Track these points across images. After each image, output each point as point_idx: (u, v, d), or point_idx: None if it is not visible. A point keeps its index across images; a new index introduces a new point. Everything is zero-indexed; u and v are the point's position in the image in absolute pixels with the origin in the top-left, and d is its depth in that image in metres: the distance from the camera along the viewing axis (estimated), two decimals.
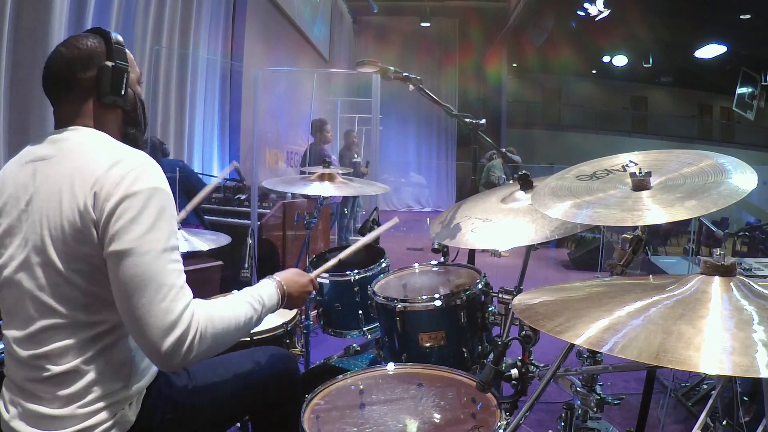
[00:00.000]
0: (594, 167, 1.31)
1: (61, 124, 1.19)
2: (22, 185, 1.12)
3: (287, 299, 1.37)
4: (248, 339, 1.78)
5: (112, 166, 1.06)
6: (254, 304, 1.24)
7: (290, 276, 1.40)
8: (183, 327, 1.04)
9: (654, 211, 1.04)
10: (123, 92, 1.21)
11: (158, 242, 1.05)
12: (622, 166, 1.26)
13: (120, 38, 1.23)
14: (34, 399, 1.08)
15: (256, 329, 1.79)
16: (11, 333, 1.12)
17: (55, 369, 1.07)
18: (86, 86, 1.18)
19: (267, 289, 1.31)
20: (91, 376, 1.09)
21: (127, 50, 1.26)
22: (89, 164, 1.07)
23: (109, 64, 1.18)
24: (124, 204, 1.04)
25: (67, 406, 1.07)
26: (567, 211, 1.15)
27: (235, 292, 1.27)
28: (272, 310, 1.31)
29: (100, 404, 1.10)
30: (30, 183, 1.12)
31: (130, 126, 1.27)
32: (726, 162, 1.12)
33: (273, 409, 1.46)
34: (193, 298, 1.10)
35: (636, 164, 1.22)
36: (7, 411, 1.12)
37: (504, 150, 2.43)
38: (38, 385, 1.08)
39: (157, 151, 3.87)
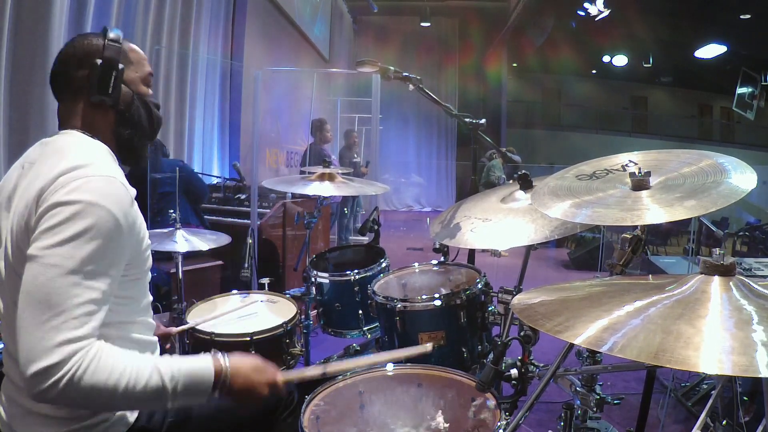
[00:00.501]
0: (593, 167, 1.31)
1: (59, 123, 1.19)
2: (13, 187, 1.12)
3: (228, 389, 1.07)
4: (248, 339, 1.78)
5: (63, 173, 1.02)
6: (166, 373, 0.99)
7: (244, 366, 1.10)
8: (53, 360, 0.89)
9: (653, 210, 1.04)
10: (110, 90, 1.16)
11: (70, 260, 0.94)
12: (622, 166, 1.26)
13: (116, 34, 1.19)
14: (31, 399, 1.08)
15: (256, 329, 1.80)
16: (5, 333, 1.12)
17: None
18: (78, 85, 1.16)
19: (197, 364, 1.05)
20: None
21: (133, 47, 1.24)
22: (48, 170, 1.04)
23: (98, 61, 1.15)
24: (53, 211, 0.98)
25: (64, 407, 1.06)
26: (566, 210, 1.15)
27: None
28: (195, 394, 1.03)
29: None
30: (17, 186, 1.11)
31: (123, 127, 1.21)
32: (725, 162, 1.12)
33: (273, 425, 1.46)
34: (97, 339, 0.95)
35: (636, 164, 1.22)
36: (6, 411, 1.12)
37: (504, 150, 2.43)
38: None
39: (158, 151, 3.87)
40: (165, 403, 1.00)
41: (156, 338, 1.30)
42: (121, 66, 1.18)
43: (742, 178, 1.05)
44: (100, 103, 1.17)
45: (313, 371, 1.25)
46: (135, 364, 0.97)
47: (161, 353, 1.33)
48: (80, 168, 1.03)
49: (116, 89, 1.18)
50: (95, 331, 0.95)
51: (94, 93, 1.16)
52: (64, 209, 0.97)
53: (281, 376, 1.16)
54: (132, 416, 1.16)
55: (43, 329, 0.90)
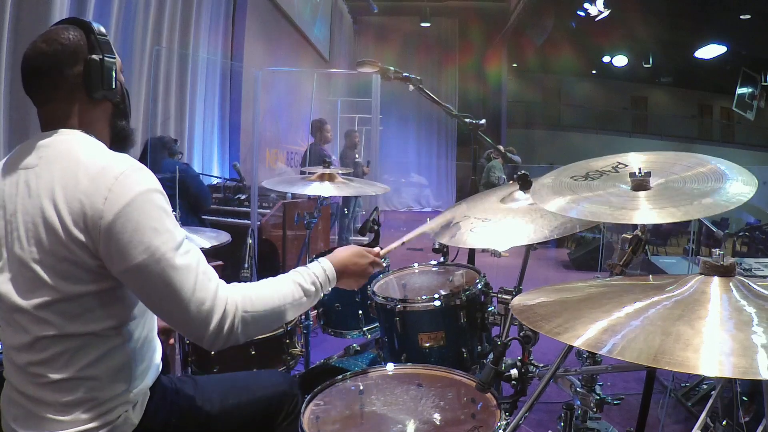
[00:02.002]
0: (585, 169, 1.31)
1: (48, 124, 1.14)
2: (8, 193, 1.09)
3: (343, 278, 1.35)
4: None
5: (95, 178, 1.02)
6: (301, 281, 1.23)
7: (348, 257, 1.36)
8: (219, 312, 1.06)
9: (644, 211, 1.05)
10: (113, 85, 1.16)
11: (168, 243, 1.03)
12: (613, 167, 1.26)
13: (102, 28, 1.17)
14: (35, 403, 1.07)
15: None
16: (7, 341, 1.10)
17: (54, 376, 1.06)
18: (73, 82, 1.12)
19: (319, 266, 1.30)
20: (90, 382, 1.08)
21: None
22: (71, 177, 1.03)
23: (97, 57, 1.12)
24: (122, 219, 1.00)
25: (68, 411, 1.06)
26: (563, 206, 1.15)
27: None
28: (327, 288, 1.31)
29: (102, 408, 1.09)
30: (14, 192, 1.07)
31: (119, 118, 1.23)
32: (725, 167, 1.13)
33: (274, 429, 1.45)
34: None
35: (625, 166, 1.23)
36: (9, 413, 1.11)
37: (503, 149, 2.43)
38: (38, 390, 1.07)
39: (162, 150, 3.80)
40: (309, 301, 1.25)
41: (156, 336, 1.29)
42: (116, 60, 1.17)
43: (741, 184, 1.05)
44: (100, 99, 1.15)
45: (395, 244, 1.54)
46: (274, 285, 1.18)
47: (163, 348, 1.33)
48: (107, 168, 1.04)
49: (117, 84, 1.18)
50: (214, 272, 1.10)
51: (98, 89, 1.14)
52: (129, 210, 1.01)
53: (378, 254, 1.45)
54: (136, 417, 1.16)
55: (195, 301, 1.04)
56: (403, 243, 1.57)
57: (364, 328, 2.14)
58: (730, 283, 0.85)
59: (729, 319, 0.77)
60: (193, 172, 3.82)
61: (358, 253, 1.38)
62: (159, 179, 1.10)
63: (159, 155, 3.76)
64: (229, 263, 3.48)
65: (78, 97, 1.13)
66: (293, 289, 1.21)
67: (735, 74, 11.70)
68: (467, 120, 2.01)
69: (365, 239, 2.61)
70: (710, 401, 1.09)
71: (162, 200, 1.07)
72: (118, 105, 1.22)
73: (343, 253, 1.37)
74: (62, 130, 1.12)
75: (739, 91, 11.62)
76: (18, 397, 1.10)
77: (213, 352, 1.78)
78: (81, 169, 1.04)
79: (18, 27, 2.94)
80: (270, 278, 1.21)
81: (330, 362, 2.03)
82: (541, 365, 1.39)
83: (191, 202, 3.54)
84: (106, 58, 1.14)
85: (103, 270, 1.05)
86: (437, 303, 1.69)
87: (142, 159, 3.81)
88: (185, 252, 1.06)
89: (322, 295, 1.28)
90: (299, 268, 1.27)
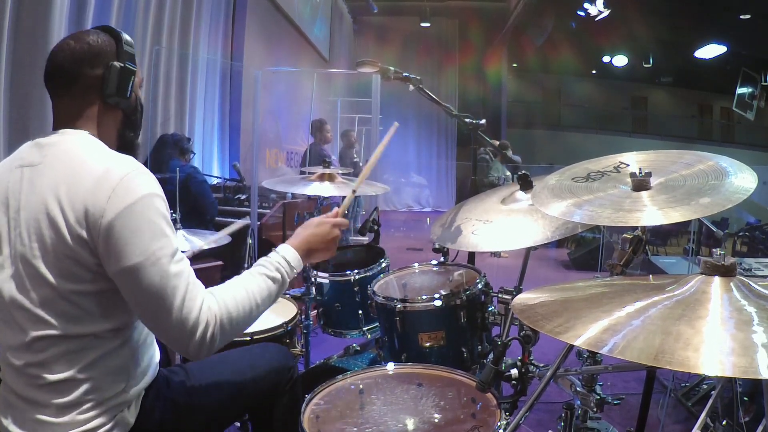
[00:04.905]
0: (587, 170, 1.30)
1: (59, 120, 1.16)
2: (12, 190, 1.09)
3: (311, 254, 1.34)
4: (248, 338, 1.78)
5: (99, 178, 1.03)
6: (267, 272, 1.22)
7: (306, 232, 1.34)
8: (203, 325, 1.06)
9: (651, 212, 1.05)
10: (128, 94, 1.19)
11: (164, 249, 1.04)
12: (614, 167, 1.26)
13: (130, 40, 1.21)
14: (31, 405, 1.07)
15: (256, 329, 1.80)
16: (5, 341, 1.10)
17: (51, 377, 1.06)
18: (90, 84, 1.15)
19: (278, 255, 1.28)
20: (88, 384, 1.08)
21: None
22: (75, 176, 1.05)
23: (118, 64, 1.16)
24: (122, 219, 1.02)
25: (65, 413, 1.07)
26: (565, 210, 1.15)
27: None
28: (296, 269, 1.29)
29: (99, 409, 1.09)
30: (18, 189, 1.09)
31: (128, 129, 1.25)
32: (726, 164, 1.13)
33: (272, 407, 1.45)
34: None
35: (627, 165, 1.23)
36: (5, 416, 1.11)
37: (498, 143, 2.42)
38: (35, 391, 1.07)
39: (173, 147, 3.76)
40: (281, 290, 1.25)
41: (155, 342, 1.30)
42: (136, 71, 1.21)
43: (742, 179, 1.05)
44: (113, 105, 1.18)
45: (348, 197, 1.54)
46: (246, 286, 1.17)
47: (163, 344, 1.33)
48: (112, 169, 1.05)
49: (132, 94, 1.21)
50: (200, 284, 1.11)
51: (113, 95, 1.16)
52: (130, 212, 1.03)
53: (336, 214, 1.41)
54: (132, 417, 1.16)
55: (183, 313, 1.05)
56: (354, 191, 1.57)
57: (364, 328, 2.14)
58: (731, 283, 0.86)
59: (729, 318, 0.77)
60: (200, 178, 3.75)
61: (315, 223, 1.36)
62: (161, 178, 1.10)
63: (169, 153, 3.74)
64: (229, 263, 3.48)
65: (92, 98, 1.16)
66: (260, 283, 1.20)
67: (735, 74, 11.69)
68: (467, 120, 2.01)
69: (365, 239, 2.61)
70: (710, 401, 1.09)
71: (163, 206, 1.08)
72: (129, 116, 1.24)
73: (300, 232, 1.35)
74: (67, 131, 1.14)
75: (739, 91, 11.61)
76: (14, 399, 1.10)
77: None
78: (85, 169, 1.05)
79: (18, 27, 2.94)
80: (237, 277, 1.21)
81: (330, 362, 2.03)
82: (542, 365, 1.40)
83: (191, 206, 3.52)
84: (127, 67, 1.17)
85: (102, 269, 1.05)
86: (437, 303, 1.69)
87: (152, 154, 3.78)
88: (179, 260, 1.07)
89: (290, 279, 1.27)
90: (262, 260, 1.26)
